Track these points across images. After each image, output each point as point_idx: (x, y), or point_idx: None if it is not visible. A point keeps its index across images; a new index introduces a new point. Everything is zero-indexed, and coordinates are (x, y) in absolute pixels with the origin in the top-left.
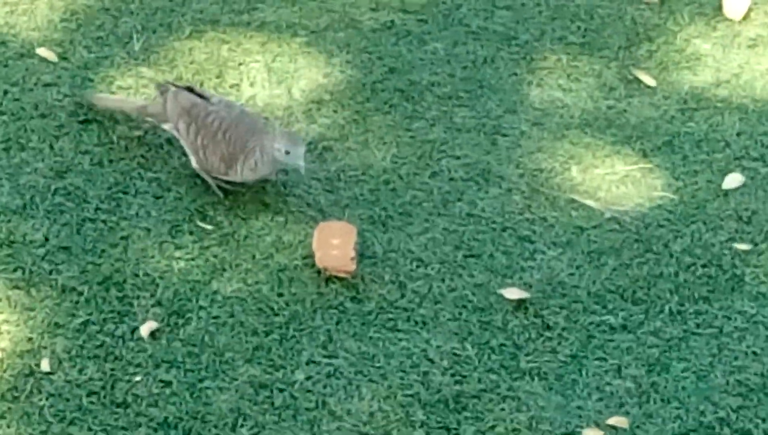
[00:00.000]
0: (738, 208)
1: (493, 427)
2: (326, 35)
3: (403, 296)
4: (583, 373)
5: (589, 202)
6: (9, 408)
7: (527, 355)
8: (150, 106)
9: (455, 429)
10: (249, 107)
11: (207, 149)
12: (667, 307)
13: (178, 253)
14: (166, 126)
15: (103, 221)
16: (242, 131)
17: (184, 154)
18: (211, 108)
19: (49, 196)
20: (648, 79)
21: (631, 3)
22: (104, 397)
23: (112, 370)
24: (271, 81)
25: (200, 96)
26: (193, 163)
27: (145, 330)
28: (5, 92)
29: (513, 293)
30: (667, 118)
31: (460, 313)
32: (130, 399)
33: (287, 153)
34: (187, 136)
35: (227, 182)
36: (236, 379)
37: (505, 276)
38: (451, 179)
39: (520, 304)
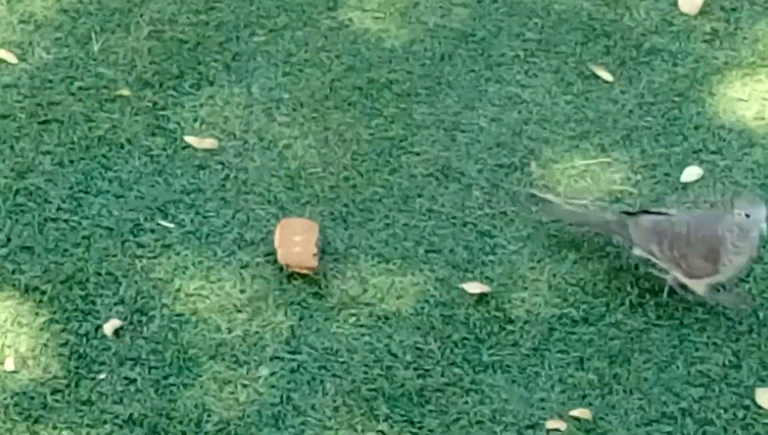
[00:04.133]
0: (697, 200)
1: (456, 420)
2: (284, 34)
3: (365, 292)
4: (546, 365)
5: (549, 197)
6: None
7: (489, 348)
8: (613, 223)
9: (419, 422)
10: (207, 107)
11: (687, 258)
12: (627, 300)
13: (140, 252)
14: (636, 251)
15: (65, 221)
16: (710, 223)
17: (660, 277)
18: (673, 218)
19: (11, 197)
20: (605, 75)
21: None
22: (69, 395)
23: (77, 368)
24: (230, 80)
25: (657, 213)
26: (680, 280)
27: (108, 328)
28: None
29: (474, 287)
30: (625, 113)
31: (422, 308)
32: (94, 397)
33: (747, 216)
34: (662, 254)
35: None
36: (200, 376)
37: (466, 270)
38: (411, 175)
39: (481, 298)
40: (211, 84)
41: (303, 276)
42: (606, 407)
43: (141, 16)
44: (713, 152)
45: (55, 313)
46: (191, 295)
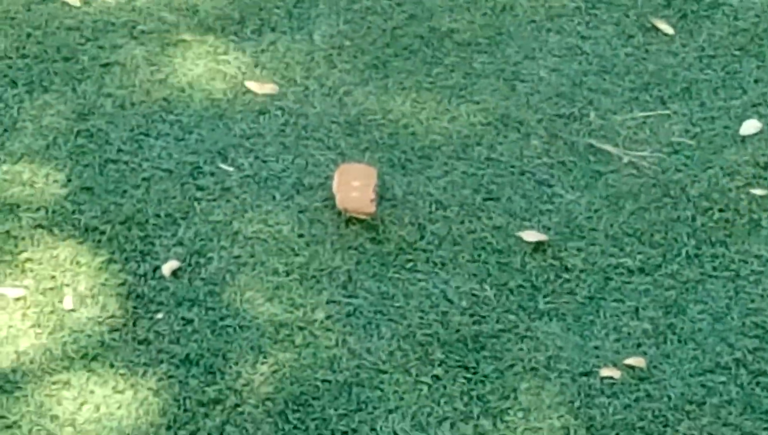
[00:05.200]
0: (755, 153)
1: (511, 366)
2: None
3: (422, 238)
4: (601, 314)
5: (608, 147)
6: (32, 344)
7: (545, 296)
8: None
9: (474, 368)
10: (269, 53)
11: None
12: (684, 251)
13: (199, 194)
14: None
15: (125, 163)
16: None
17: None
18: None
19: (72, 138)
20: (666, 28)
21: None
22: (126, 334)
23: (135, 307)
24: (292, 26)
25: None
26: None
27: (166, 269)
28: (28, 35)
29: (531, 236)
30: (685, 66)
31: (479, 255)
32: (152, 336)
33: None
34: None
35: None
36: (257, 318)
37: (523, 219)
38: (470, 124)
39: (538, 246)
40: (273, 30)
41: (360, 221)
42: (660, 356)
43: None
44: None
45: (113, 253)
46: (249, 238)
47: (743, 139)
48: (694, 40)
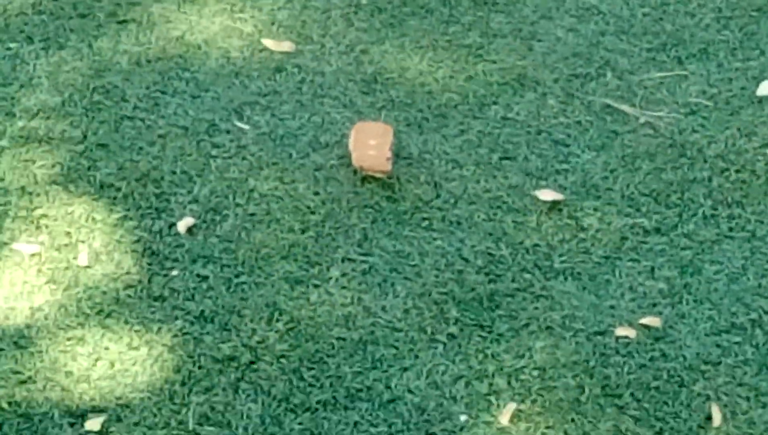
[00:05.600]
0: None
1: (526, 325)
2: None
3: (438, 196)
4: (617, 273)
5: (624, 107)
6: (47, 300)
7: (561, 255)
8: None
9: (489, 326)
10: (285, 10)
11: None
12: (700, 211)
13: (215, 152)
14: None
15: (141, 119)
16: None
17: None
18: None
19: (88, 94)
20: None
21: None
22: (141, 290)
23: (149, 264)
24: None
25: None
26: None
27: (182, 226)
28: None
29: (547, 195)
30: (702, 27)
31: (495, 214)
32: (167, 293)
33: None
34: None
35: None
36: (272, 275)
37: (539, 178)
38: (487, 83)
39: (554, 205)
40: None
41: (376, 179)
42: (676, 316)
43: None
44: None
45: (129, 209)
46: (265, 195)
47: (760, 100)
48: (712, 0)
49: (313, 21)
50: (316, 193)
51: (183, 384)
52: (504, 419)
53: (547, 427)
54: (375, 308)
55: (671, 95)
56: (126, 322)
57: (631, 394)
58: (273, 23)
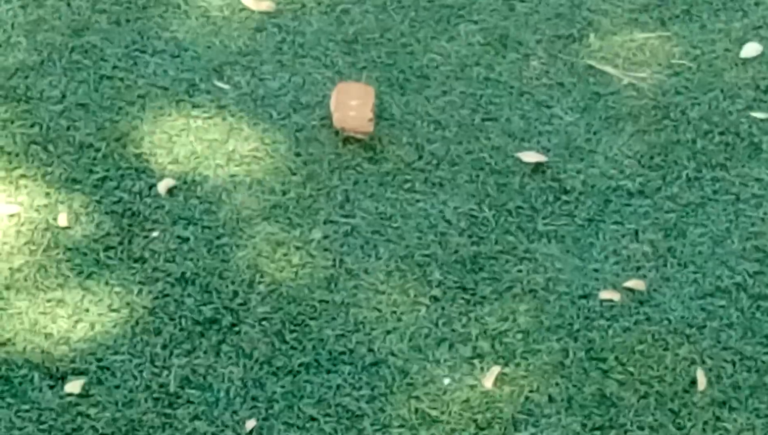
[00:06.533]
0: (756, 76)
1: (509, 288)
2: None
3: (420, 158)
4: (600, 236)
5: (607, 69)
6: (26, 261)
7: (544, 217)
8: None
9: (472, 289)
10: None
11: None
12: (684, 173)
13: (195, 112)
14: None
15: (121, 79)
16: None
17: None
18: None
19: (67, 54)
20: None
21: None
22: (121, 252)
23: (130, 225)
24: None
25: None
26: None
27: (162, 187)
28: None
29: (530, 157)
30: None
31: (477, 176)
32: (147, 254)
33: None
34: None
35: None
36: (253, 237)
37: (522, 139)
38: (469, 44)
39: (537, 167)
40: None
41: (358, 141)
42: (660, 280)
43: None
44: None
45: (108, 170)
46: (245, 156)
47: (744, 61)
48: None
49: None
50: (298, 155)
51: (164, 347)
52: (488, 382)
53: (531, 391)
54: (357, 271)
55: (654, 57)
56: (106, 284)
57: (616, 358)
58: None
